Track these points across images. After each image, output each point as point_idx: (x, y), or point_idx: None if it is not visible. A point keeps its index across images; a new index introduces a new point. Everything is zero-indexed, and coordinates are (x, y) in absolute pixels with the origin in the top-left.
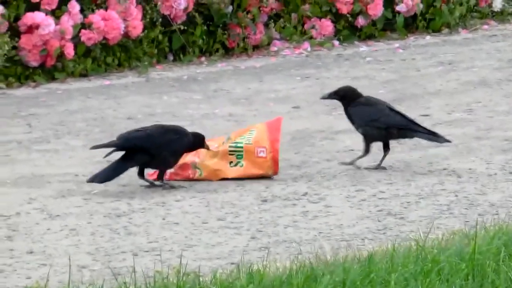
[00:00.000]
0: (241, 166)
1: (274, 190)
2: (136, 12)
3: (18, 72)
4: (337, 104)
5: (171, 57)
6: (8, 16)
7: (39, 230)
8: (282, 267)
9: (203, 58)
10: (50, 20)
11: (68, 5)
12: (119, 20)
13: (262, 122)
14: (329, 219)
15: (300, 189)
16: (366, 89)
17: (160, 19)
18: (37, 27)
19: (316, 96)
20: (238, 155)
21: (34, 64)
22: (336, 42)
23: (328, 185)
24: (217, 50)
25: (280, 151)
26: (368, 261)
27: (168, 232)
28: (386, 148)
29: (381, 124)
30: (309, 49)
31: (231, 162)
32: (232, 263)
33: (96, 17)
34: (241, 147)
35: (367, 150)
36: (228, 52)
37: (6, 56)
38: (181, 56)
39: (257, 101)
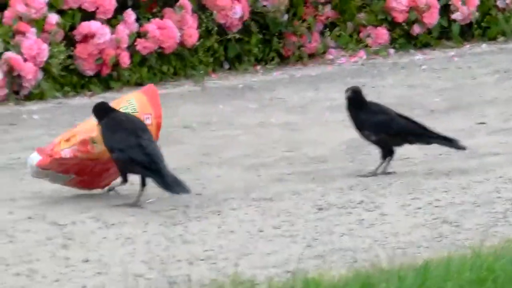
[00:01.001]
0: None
1: (330, 198)
2: (191, 21)
3: (74, 81)
4: None
5: (226, 66)
6: (64, 25)
7: (95, 239)
8: (337, 275)
9: (258, 67)
10: (106, 29)
11: (124, 14)
12: (174, 29)
13: (135, 91)
14: (384, 227)
15: (356, 197)
16: (421, 98)
17: (216, 28)
18: (92, 36)
19: None
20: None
21: (90, 73)
22: (392, 51)
23: (384, 193)
24: (272, 59)
25: (335, 159)
26: (423, 269)
27: (223, 240)
28: (390, 153)
29: (394, 131)
30: (364, 57)
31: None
32: (288, 272)
33: (151, 26)
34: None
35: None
36: (283, 60)
37: (61, 65)
38: (237, 64)
39: (313, 109)
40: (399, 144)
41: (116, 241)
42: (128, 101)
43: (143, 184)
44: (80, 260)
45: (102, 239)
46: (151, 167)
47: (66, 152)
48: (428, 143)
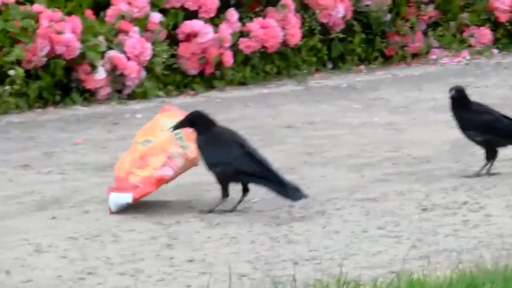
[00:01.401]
0: (188, 146)
1: (434, 199)
2: (294, 20)
3: (177, 80)
4: None
5: (330, 65)
6: (167, 25)
7: (199, 238)
8: (442, 276)
9: (362, 66)
10: (209, 28)
11: (227, 13)
12: (277, 28)
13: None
14: (489, 228)
15: (460, 198)
16: None
17: (319, 27)
18: (195, 35)
19: None
20: (180, 137)
21: (193, 72)
22: (495, 51)
23: (488, 194)
24: (375, 58)
25: (439, 159)
26: None
27: (328, 240)
28: (494, 154)
29: (500, 132)
30: (468, 57)
31: (181, 146)
32: (392, 272)
33: (254, 25)
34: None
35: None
36: (387, 60)
37: (165, 64)
38: (340, 64)
39: (416, 109)
40: (504, 144)
41: (220, 241)
42: (164, 120)
43: (245, 190)
44: (185, 260)
45: (206, 238)
46: (262, 175)
47: (169, 171)
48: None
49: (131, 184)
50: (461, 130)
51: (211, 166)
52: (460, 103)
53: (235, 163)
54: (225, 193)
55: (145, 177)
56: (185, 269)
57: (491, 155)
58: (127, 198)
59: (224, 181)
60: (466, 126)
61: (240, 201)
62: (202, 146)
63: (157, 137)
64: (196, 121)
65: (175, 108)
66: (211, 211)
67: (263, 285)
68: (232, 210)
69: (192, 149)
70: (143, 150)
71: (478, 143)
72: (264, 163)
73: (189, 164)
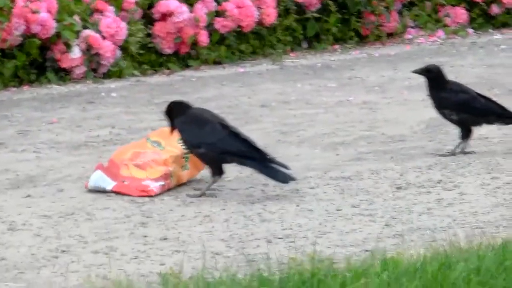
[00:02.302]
0: (187, 169)
1: (409, 177)
2: (270, 0)
3: (152, 59)
4: None
5: (305, 45)
6: (142, 4)
7: (173, 217)
8: (416, 254)
9: (337, 46)
10: (184, 7)
11: None
12: (253, 8)
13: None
14: (463, 206)
15: (435, 176)
16: (500, 77)
17: (294, 7)
18: (171, 14)
19: None
20: (186, 157)
21: (168, 51)
22: (471, 30)
23: (463, 173)
24: (351, 38)
25: (414, 138)
26: (502, 248)
27: (302, 219)
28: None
29: (476, 111)
30: (443, 37)
31: (182, 166)
32: (366, 250)
33: (230, 5)
34: None
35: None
36: (362, 40)
37: (140, 44)
38: (315, 43)
39: (391, 89)
40: (479, 123)
41: (194, 219)
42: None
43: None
44: (159, 238)
45: (180, 217)
46: (250, 154)
47: (157, 189)
48: (507, 123)
49: (120, 175)
50: (436, 109)
51: (194, 146)
52: (436, 82)
53: (220, 144)
54: (216, 172)
55: (135, 179)
56: (159, 247)
57: (465, 134)
58: (107, 184)
59: (210, 162)
60: (441, 105)
61: (211, 183)
62: (182, 127)
63: (169, 146)
64: (172, 107)
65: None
66: (202, 195)
67: (237, 263)
68: (202, 193)
69: (188, 173)
70: (149, 150)
71: (454, 122)
72: (250, 142)
73: (176, 184)
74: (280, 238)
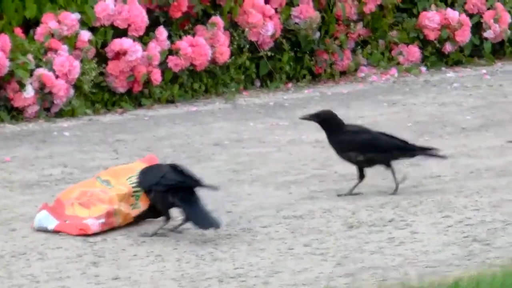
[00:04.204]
0: (139, 207)
1: (361, 216)
2: (223, 38)
3: (105, 98)
4: (424, 130)
5: (258, 84)
6: (96, 42)
7: (125, 256)
8: None
9: (290, 84)
10: (138, 46)
11: (156, 32)
12: (206, 47)
13: (137, 160)
14: (415, 245)
15: (387, 215)
16: (453, 115)
17: (248, 46)
18: (124, 53)
19: (403, 122)
20: (137, 196)
21: (121, 90)
22: (424, 68)
23: (415, 211)
24: (304, 76)
25: (366, 176)
26: (454, 287)
27: (254, 258)
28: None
29: (382, 149)
30: (396, 75)
31: (131, 204)
32: None
33: (183, 44)
34: None
35: None
36: (315, 78)
37: (93, 82)
38: (268, 82)
39: None
40: (386, 160)
41: (146, 259)
42: (136, 171)
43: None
44: (111, 278)
45: (132, 256)
46: (186, 184)
47: (95, 227)
48: (412, 156)
49: (64, 214)
50: (340, 153)
51: (147, 192)
52: (332, 126)
53: (163, 180)
54: (166, 215)
55: (77, 217)
56: (111, 287)
57: (362, 175)
58: (50, 223)
59: (160, 205)
60: (344, 148)
61: (178, 226)
62: (140, 175)
63: (118, 184)
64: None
65: (155, 158)
66: (153, 234)
67: None
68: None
69: (139, 211)
70: (97, 189)
71: (360, 163)
72: (188, 174)
73: (123, 223)
74: (232, 277)
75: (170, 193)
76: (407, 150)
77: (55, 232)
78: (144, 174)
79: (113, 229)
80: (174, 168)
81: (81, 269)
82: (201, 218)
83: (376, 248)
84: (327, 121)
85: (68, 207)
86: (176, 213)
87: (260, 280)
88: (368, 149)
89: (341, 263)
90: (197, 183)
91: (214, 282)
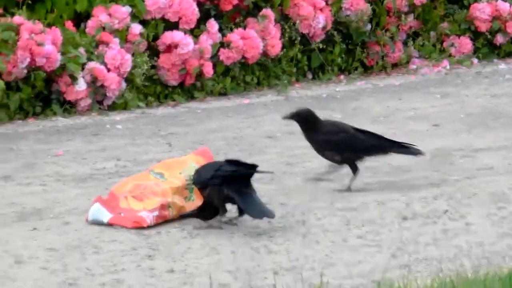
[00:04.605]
0: (193, 200)
1: (415, 208)
2: (274, 31)
3: (158, 91)
4: (477, 122)
5: (310, 76)
6: (147, 36)
7: (180, 249)
8: (423, 285)
9: (342, 77)
10: (189, 39)
11: (207, 24)
12: (258, 39)
13: (190, 153)
14: (469, 236)
15: (441, 206)
16: (505, 107)
17: (299, 38)
18: (176, 46)
19: (455, 114)
20: (191, 188)
21: (173, 83)
22: (475, 60)
23: (469, 203)
24: (356, 69)
25: (419, 168)
26: (509, 278)
27: (308, 250)
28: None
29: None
30: (448, 67)
31: (186, 197)
32: (373, 281)
33: (235, 36)
34: None
35: None
36: (367, 70)
37: (145, 75)
38: (320, 74)
39: (396, 119)
40: (362, 158)
41: (201, 251)
42: (191, 163)
43: (240, 211)
44: (165, 271)
45: (187, 249)
46: (241, 173)
47: (150, 219)
48: (387, 153)
49: (119, 207)
50: (317, 152)
51: (202, 189)
52: (309, 125)
53: (217, 173)
54: (222, 210)
55: (131, 210)
56: (166, 280)
57: (355, 169)
58: (104, 216)
59: (216, 200)
60: (322, 147)
61: (233, 219)
62: (195, 174)
63: (172, 177)
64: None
65: (208, 151)
66: (208, 227)
67: None
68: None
69: (193, 204)
70: (151, 182)
71: (337, 162)
72: (241, 163)
73: (177, 215)
74: (286, 270)
75: (225, 186)
76: (383, 148)
77: (110, 225)
78: (200, 171)
79: (166, 222)
80: (229, 161)
81: (136, 262)
82: (255, 208)
83: (431, 239)
84: (305, 119)
85: (122, 200)
86: (230, 206)
87: (315, 272)
88: (344, 148)
89: (396, 254)
90: (251, 169)
91: (269, 274)
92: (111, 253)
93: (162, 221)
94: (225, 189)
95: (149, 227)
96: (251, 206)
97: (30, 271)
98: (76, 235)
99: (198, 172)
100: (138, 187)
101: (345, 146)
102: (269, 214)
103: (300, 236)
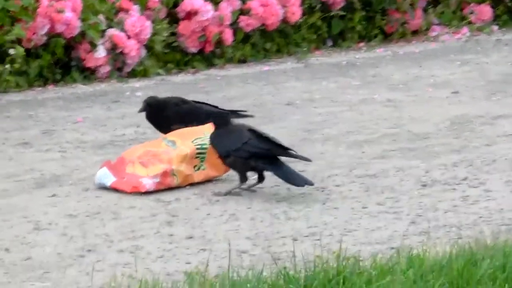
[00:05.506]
0: (204, 169)
1: (434, 174)
2: None
3: (177, 58)
4: (496, 89)
5: (330, 43)
6: (167, 2)
7: (199, 215)
8: (442, 251)
9: (361, 44)
10: (209, 6)
11: None
12: (278, 6)
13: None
14: (489, 203)
15: (460, 174)
16: None
17: (319, 5)
18: (195, 13)
19: (475, 81)
20: (202, 157)
21: (193, 50)
22: (495, 27)
23: (488, 170)
24: (375, 36)
25: (439, 135)
26: None
27: (328, 217)
28: None
29: None
30: (468, 34)
31: (195, 166)
32: (392, 248)
33: (255, 3)
34: (206, 148)
35: None
36: (386, 37)
37: (164, 42)
38: (340, 41)
39: (416, 86)
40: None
41: (220, 218)
42: (204, 133)
43: (260, 178)
44: (184, 237)
45: (206, 215)
46: (272, 153)
47: (150, 185)
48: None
49: (124, 171)
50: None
51: (225, 157)
52: (154, 110)
53: (245, 147)
54: (243, 179)
55: (133, 175)
56: (185, 246)
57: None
58: (108, 180)
59: (239, 170)
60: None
61: (252, 186)
62: (215, 139)
63: (183, 145)
64: (216, 121)
65: None
66: (227, 193)
67: (262, 261)
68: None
69: (203, 173)
70: (161, 149)
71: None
72: (273, 141)
73: (183, 183)
74: (305, 236)
75: (252, 159)
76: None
77: (112, 189)
78: (220, 138)
79: (185, 188)
80: (255, 133)
81: (155, 228)
82: (296, 177)
83: (450, 206)
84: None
85: (129, 166)
86: (250, 173)
87: (334, 239)
88: (188, 119)
89: (415, 221)
90: (285, 153)
91: (288, 240)
92: (130, 219)
93: (165, 188)
94: (253, 162)
95: (168, 194)
96: (292, 175)
97: (49, 237)
98: (95, 202)
99: (218, 137)
100: (147, 153)
101: (188, 116)
102: (309, 182)
103: (319, 202)
